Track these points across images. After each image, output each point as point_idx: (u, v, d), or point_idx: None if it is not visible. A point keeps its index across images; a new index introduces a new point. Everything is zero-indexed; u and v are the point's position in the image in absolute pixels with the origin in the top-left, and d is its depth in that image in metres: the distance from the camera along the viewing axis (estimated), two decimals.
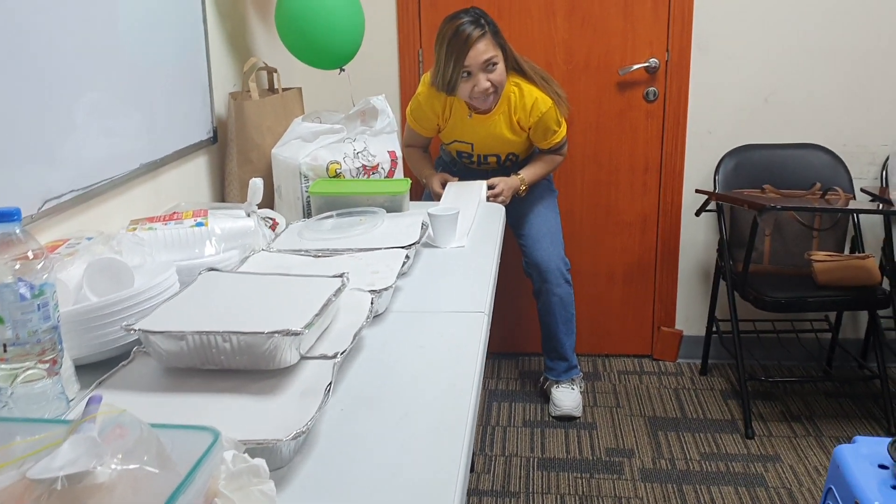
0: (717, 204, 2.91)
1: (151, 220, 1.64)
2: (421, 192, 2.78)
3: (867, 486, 1.55)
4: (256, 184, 1.80)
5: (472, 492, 2.41)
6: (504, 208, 2.37)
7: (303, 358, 1.20)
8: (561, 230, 2.79)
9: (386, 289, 1.47)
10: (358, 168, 2.15)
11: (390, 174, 2.23)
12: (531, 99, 2.52)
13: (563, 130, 2.63)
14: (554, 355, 2.84)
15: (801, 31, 2.92)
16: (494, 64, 2.42)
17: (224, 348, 1.15)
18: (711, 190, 2.98)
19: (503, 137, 2.59)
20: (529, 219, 2.75)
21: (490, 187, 2.54)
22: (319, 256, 1.69)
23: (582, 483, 2.44)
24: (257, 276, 1.43)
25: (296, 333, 1.13)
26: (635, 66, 3.00)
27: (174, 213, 1.68)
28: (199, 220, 1.63)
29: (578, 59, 3.04)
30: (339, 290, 1.32)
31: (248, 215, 1.78)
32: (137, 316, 1.26)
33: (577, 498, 2.37)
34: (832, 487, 1.67)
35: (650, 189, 3.16)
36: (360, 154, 2.16)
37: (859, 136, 2.98)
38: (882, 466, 1.62)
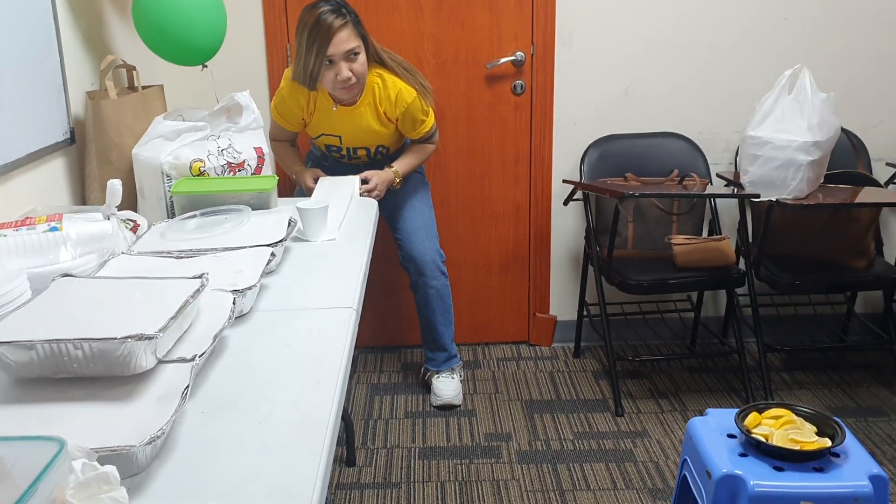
0: (584, 193, 3.02)
1: (1, 226, 1.57)
2: (292, 188, 2.76)
3: (717, 455, 1.66)
4: (114, 185, 1.74)
5: (354, 485, 2.42)
6: (377, 202, 2.38)
7: (160, 362, 1.18)
8: (435, 222, 2.83)
9: (249, 288, 1.46)
10: (223, 166, 2.12)
11: (257, 171, 2.20)
12: (395, 90, 2.53)
13: (430, 119, 2.66)
14: (433, 346, 2.88)
15: (657, 26, 3.06)
16: (356, 54, 2.43)
17: (76, 356, 1.12)
18: (578, 179, 3.09)
19: (370, 129, 2.60)
20: (403, 213, 2.77)
21: (364, 182, 2.54)
22: (182, 258, 1.66)
23: (462, 469, 2.50)
24: (113, 280, 1.40)
25: (150, 338, 1.11)
26: (502, 60, 3.07)
27: (27, 218, 1.62)
28: (53, 224, 1.57)
29: (447, 54, 3.09)
30: (197, 291, 1.30)
31: (108, 218, 1.73)
32: None
33: (456, 484, 2.42)
34: (687, 458, 1.77)
35: (521, 180, 3.24)
36: (224, 151, 2.13)
37: (714, 125, 3.15)
38: (731, 436, 1.73)
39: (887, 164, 3.14)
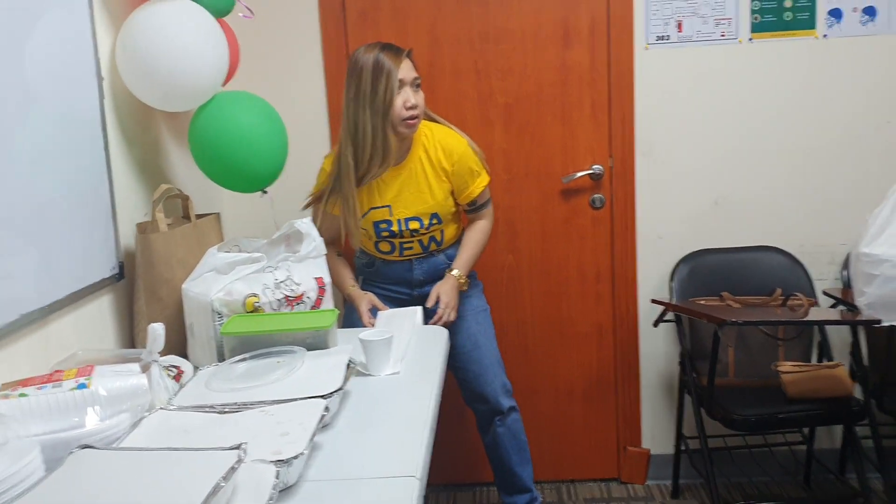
0: (676, 314, 2.75)
1: (25, 382, 1.40)
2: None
3: None
4: (156, 330, 1.58)
5: None
6: (447, 333, 2.16)
7: None
8: (498, 349, 2.57)
9: (296, 457, 1.24)
10: (279, 300, 1.94)
11: (317, 303, 2.02)
12: (444, 138, 2.38)
13: (485, 175, 2.45)
14: (512, 490, 2.58)
15: (746, 131, 2.84)
16: (419, 85, 2.31)
17: None
18: (668, 297, 2.83)
19: (423, 188, 2.37)
20: (468, 348, 2.49)
21: (428, 313, 2.33)
22: (226, 412, 1.46)
23: None
24: (137, 453, 1.20)
25: None
26: (578, 174, 2.88)
27: (55, 371, 1.45)
28: (81, 381, 1.39)
29: (518, 168, 2.92)
30: (232, 470, 1.09)
31: (148, 367, 1.56)
32: None
33: None
34: None
35: (603, 299, 2.99)
36: (282, 284, 1.96)
37: (816, 236, 2.87)
38: None
39: None
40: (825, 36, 2.77)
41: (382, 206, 2.39)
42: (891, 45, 2.76)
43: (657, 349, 2.98)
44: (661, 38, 2.78)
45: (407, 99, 2.25)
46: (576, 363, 3.03)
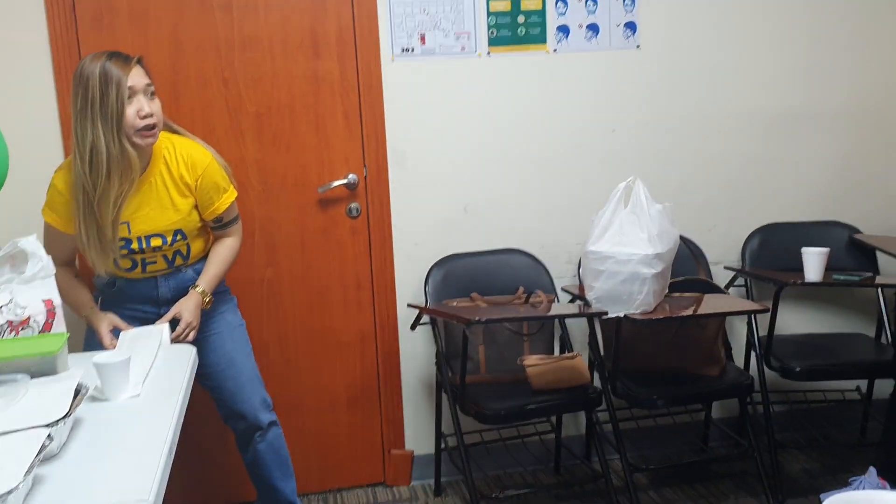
0: (431, 316, 2.85)
1: None
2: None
3: None
4: None
5: None
6: (195, 350, 2.08)
7: None
8: (256, 365, 2.52)
9: (9, 493, 1.15)
10: (2, 325, 1.79)
11: (47, 327, 1.88)
12: (188, 151, 2.28)
13: (232, 191, 2.37)
14: None
15: (489, 140, 2.99)
16: (154, 94, 2.19)
17: None
18: (424, 302, 2.92)
19: (165, 204, 2.25)
20: (223, 367, 2.43)
21: (174, 324, 2.24)
22: None
23: None
24: None
25: None
26: (334, 184, 2.90)
27: None
28: None
29: (274, 179, 2.89)
30: None
31: None
32: None
33: None
34: None
35: (364, 306, 3.03)
36: (3, 308, 1.80)
37: (553, 238, 3.08)
38: None
39: (725, 268, 3.17)
40: (555, 50, 2.99)
41: (120, 223, 2.23)
42: (612, 60, 3.04)
43: (417, 352, 3.06)
44: (406, 50, 2.87)
45: (140, 108, 2.13)
46: (339, 372, 3.05)
